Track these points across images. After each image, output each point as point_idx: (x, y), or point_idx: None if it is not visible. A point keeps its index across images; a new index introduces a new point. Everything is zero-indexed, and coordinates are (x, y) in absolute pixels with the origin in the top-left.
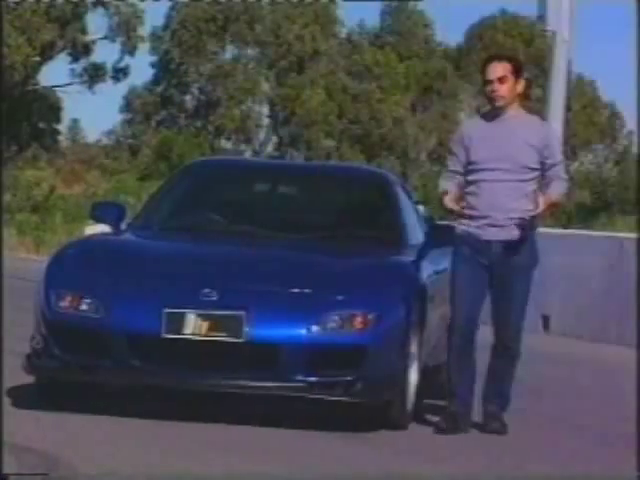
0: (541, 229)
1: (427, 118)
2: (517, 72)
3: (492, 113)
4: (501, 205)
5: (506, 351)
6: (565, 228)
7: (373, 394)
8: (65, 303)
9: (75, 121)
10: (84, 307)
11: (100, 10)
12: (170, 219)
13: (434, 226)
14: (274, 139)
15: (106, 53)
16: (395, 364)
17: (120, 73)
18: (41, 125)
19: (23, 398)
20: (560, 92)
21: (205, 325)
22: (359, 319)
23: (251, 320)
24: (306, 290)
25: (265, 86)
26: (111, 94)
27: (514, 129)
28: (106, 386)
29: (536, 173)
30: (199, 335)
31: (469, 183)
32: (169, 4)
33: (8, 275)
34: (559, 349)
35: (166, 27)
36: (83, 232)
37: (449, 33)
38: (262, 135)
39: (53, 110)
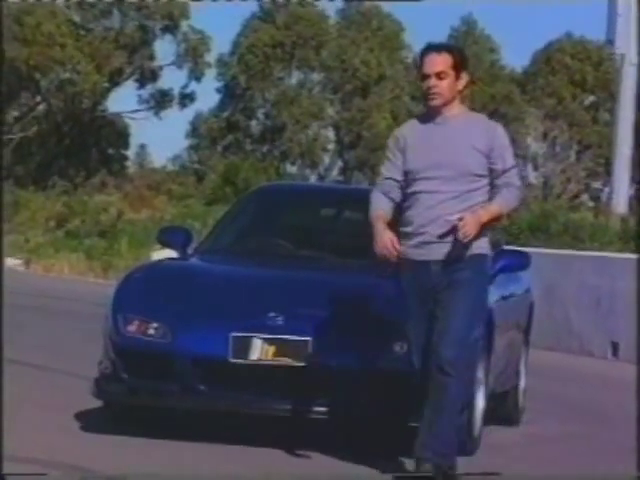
0: (610, 254)
1: None
2: (459, 66)
3: (429, 114)
4: (439, 219)
5: (441, 376)
6: (636, 253)
7: None
8: (133, 328)
9: (142, 147)
10: (151, 331)
11: (168, 37)
12: (236, 244)
13: (501, 251)
14: (339, 163)
15: (173, 79)
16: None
17: (187, 99)
18: (109, 151)
19: (92, 422)
20: (628, 116)
21: (271, 349)
22: None
23: (317, 345)
24: (371, 316)
25: (330, 110)
26: (178, 120)
27: (455, 131)
28: (173, 410)
29: (485, 181)
30: (265, 360)
31: (405, 196)
32: (237, 30)
33: (77, 299)
34: (626, 375)
35: (233, 53)
36: (150, 257)
37: (515, 57)
38: (327, 160)
39: (121, 136)
